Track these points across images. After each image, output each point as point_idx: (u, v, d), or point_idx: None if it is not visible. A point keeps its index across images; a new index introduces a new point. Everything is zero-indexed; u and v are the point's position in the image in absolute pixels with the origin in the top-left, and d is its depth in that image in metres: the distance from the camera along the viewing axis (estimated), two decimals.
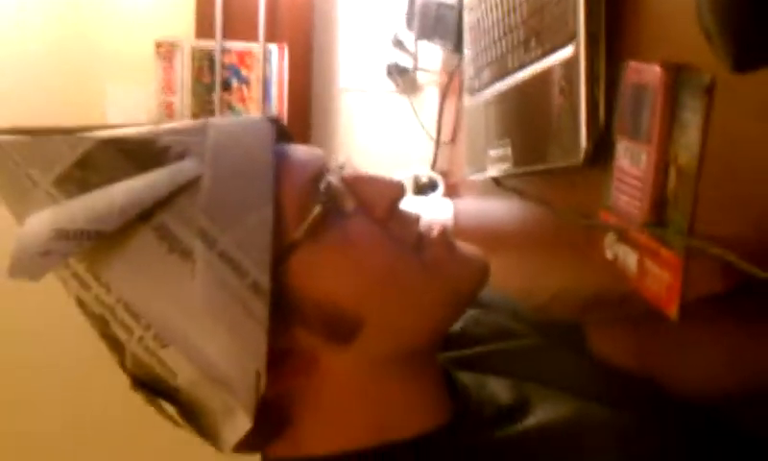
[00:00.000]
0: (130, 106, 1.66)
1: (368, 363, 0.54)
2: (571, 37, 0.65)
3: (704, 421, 0.59)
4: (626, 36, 0.61)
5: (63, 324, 1.00)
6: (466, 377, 0.61)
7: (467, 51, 1.07)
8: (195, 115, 1.62)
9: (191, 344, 0.49)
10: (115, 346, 0.52)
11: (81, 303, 0.52)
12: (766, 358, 0.50)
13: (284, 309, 0.51)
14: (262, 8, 1.62)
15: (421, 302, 0.55)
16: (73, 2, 1.66)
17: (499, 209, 1.07)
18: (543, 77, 0.73)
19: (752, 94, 0.43)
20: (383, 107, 1.73)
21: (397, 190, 0.56)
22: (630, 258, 0.54)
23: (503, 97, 0.88)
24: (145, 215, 0.49)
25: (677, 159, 0.48)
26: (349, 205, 0.55)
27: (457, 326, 0.67)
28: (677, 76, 0.48)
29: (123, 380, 0.53)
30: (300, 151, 0.56)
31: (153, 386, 0.52)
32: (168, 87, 1.62)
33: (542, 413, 0.59)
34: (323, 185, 0.54)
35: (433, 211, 1.42)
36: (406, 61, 1.68)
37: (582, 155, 0.64)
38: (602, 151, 0.62)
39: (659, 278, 0.49)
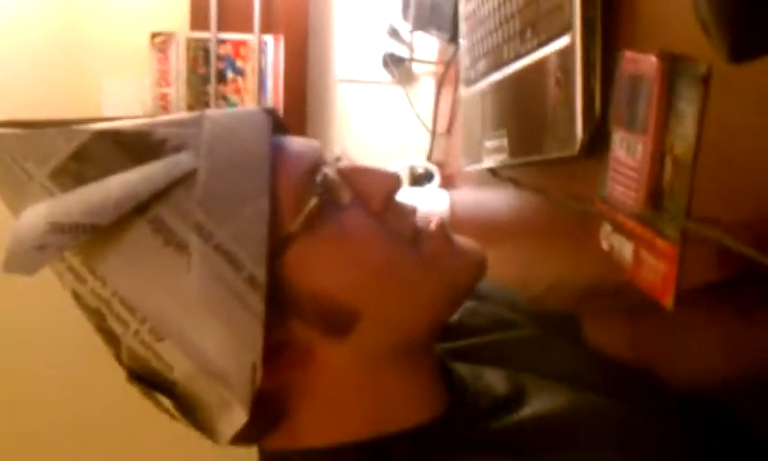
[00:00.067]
0: (125, 98, 1.66)
1: (364, 356, 0.54)
2: (567, 28, 0.65)
3: (700, 411, 0.59)
4: (622, 27, 0.61)
5: (62, 320, 1.00)
6: (462, 368, 0.61)
7: (462, 41, 1.07)
8: (190, 107, 1.61)
9: (187, 337, 0.49)
10: (111, 339, 0.52)
11: (76, 297, 0.52)
12: (762, 347, 0.50)
13: (280, 302, 0.51)
14: None
15: (419, 295, 0.55)
16: None
17: (495, 201, 1.07)
18: (539, 67, 0.73)
19: (748, 84, 0.43)
20: (379, 97, 1.73)
21: (394, 182, 0.56)
22: (625, 249, 0.54)
23: (499, 88, 0.88)
24: (141, 208, 0.49)
25: (673, 150, 0.48)
26: (346, 197, 0.55)
27: (454, 316, 0.67)
28: (673, 66, 0.48)
29: (121, 376, 0.53)
30: (296, 143, 0.56)
31: (149, 379, 0.52)
32: (163, 79, 1.62)
33: (538, 403, 0.59)
34: (319, 177, 0.54)
35: (429, 203, 1.42)
36: (402, 52, 1.68)
37: (578, 145, 0.64)
38: (598, 141, 0.62)
39: (654, 268, 0.49)
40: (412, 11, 1.41)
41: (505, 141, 0.85)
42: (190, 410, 0.52)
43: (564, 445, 0.55)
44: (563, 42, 0.66)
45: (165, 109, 1.61)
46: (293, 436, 0.55)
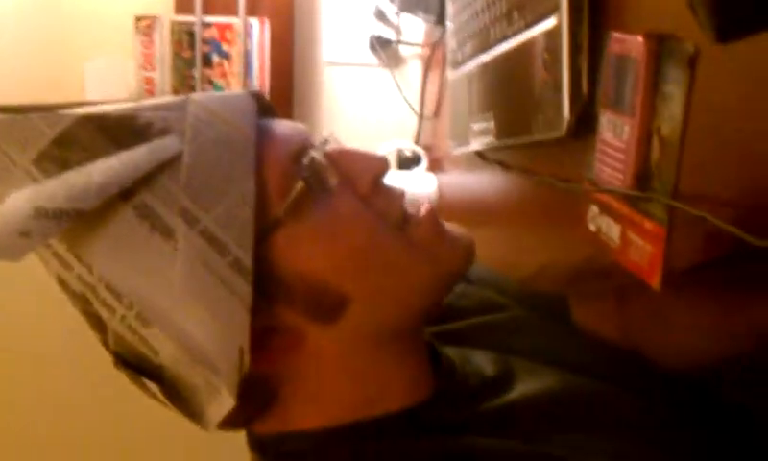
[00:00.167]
0: (109, 81, 1.64)
1: (353, 340, 0.54)
2: (554, 8, 0.64)
3: (687, 391, 0.59)
4: (609, 7, 0.61)
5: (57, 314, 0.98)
6: (451, 351, 0.61)
7: (449, 23, 1.06)
8: (175, 91, 1.60)
9: (174, 323, 0.49)
10: (98, 325, 0.52)
11: (62, 283, 0.51)
12: (749, 326, 0.51)
13: (268, 287, 0.51)
14: None
15: (407, 280, 0.54)
16: None
17: (483, 183, 1.07)
18: (526, 49, 0.72)
19: (735, 64, 0.43)
20: (366, 80, 1.72)
21: (381, 165, 0.56)
22: (613, 230, 0.55)
23: (486, 70, 0.87)
24: (126, 194, 0.48)
25: (660, 131, 0.48)
26: (333, 180, 0.54)
27: None
28: (660, 46, 0.48)
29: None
30: (282, 126, 0.56)
31: (136, 365, 0.52)
32: (148, 63, 1.60)
33: (527, 385, 0.59)
34: (306, 161, 0.53)
35: (417, 186, 1.41)
36: (389, 34, 1.67)
37: (565, 127, 0.64)
38: (585, 123, 0.62)
39: (641, 248, 0.50)
40: None
41: (492, 124, 0.85)
42: (178, 395, 0.52)
43: (553, 426, 0.56)
44: (549, 23, 0.66)
45: (150, 93, 1.60)
46: (282, 420, 0.55)
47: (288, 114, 1.65)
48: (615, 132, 0.53)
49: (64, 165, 0.49)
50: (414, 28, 1.65)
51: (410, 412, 0.55)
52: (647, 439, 0.56)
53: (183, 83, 1.60)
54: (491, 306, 0.72)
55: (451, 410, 0.56)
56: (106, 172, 0.48)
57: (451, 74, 1.07)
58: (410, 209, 0.57)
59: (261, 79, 1.60)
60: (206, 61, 1.61)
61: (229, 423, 0.52)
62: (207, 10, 1.61)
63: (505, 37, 0.78)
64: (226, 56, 1.61)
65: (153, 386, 0.52)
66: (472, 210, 1.15)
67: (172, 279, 0.48)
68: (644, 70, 0.49)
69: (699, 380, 0.59)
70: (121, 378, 0.53)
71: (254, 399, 0.53)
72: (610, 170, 0.55)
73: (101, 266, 0.49)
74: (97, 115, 0.50)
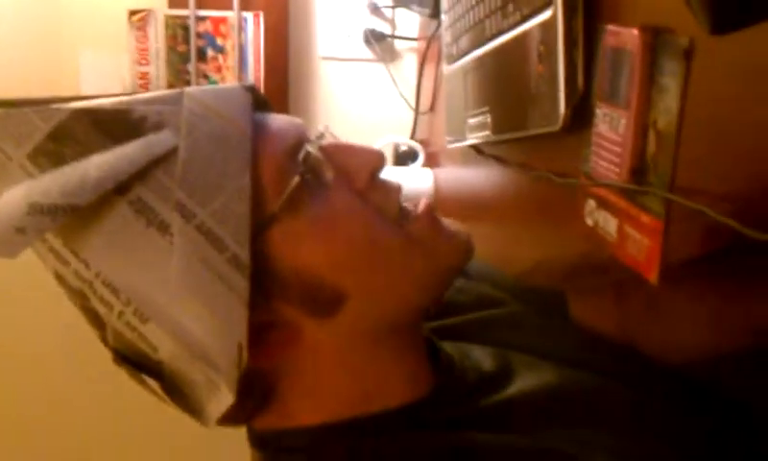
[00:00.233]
0: (104, 76, 1.63)
1: (351, 336, 0.54)
2: (549, 1, 0.64)
3: (686, 385, 0.60)
4: (604, 0, 0.61)
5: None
6: (449, 347, 0.62)
7: (444, 17, 1.06)
8: (170, 86, 1.59)
9: (171, 319, 0.49)
10: (96, 321, 0.52)
11: (59, 278, 0.51)
12: (748, 320, 0.51)
13: (265, 282, 0.51)
14: None
15: (405, 275, 0.54)
16: None
17: (480, 178, 1.07)
18: (521, 43, 0.72)
19: (731, 57, 0.43)
20: (361, 75, 1.71)
21: (377, 159, 0.56)
22: (610, 224, 0.55)
23: (481, 64, 0.87)
24: (121, 188, 0.48)
25: (656, 124, 0.48)
26: (329, 175, 0.54)
27: None
28: (655, 39, 0.48)
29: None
30: (278, 120, 0.55)
31: (135, 361, 0.52)
32: (142, 57, 1.59)
33: (525, 381, 0.59)
34: (301, 155, 0.53)
35: (413, 181, 1.41)
36: (383, 28, 1.66)
37: (560, 121, 0.64)
38: (581, 116, 0.62)
39: (639, 243, 0.50)
40: None
41: (488, 118, 0.85)
42: (177, 392, 0.51)
43: (552, 422, 0.56)
44: (544, 16, 0.66)
45: (145, 87, 1.59)
46: (281, 416, 0.55)
47: (283, 109, 1.64)
48: (611, 125, 0.53)
49: (59, 160, 0.49)
50: (409, 21, 1.64)
51: (409, 408, 0.55)
52: (650, 435, 0.56)
53: (178, 77, 1.60)
54: (489, 302, 0.72)
55: (450, 406, 0.56)
56: (101, 167, 0.48)
57: (447, 68, 1.07)
58: (408, 205, 0.57)
59: (256, 73, 1.60)
60: (201, 56, 1.60)
61: (229, 419, 0.52)
62: (201, 3, 1.60)
63: (500, 31, 0.78)
64: (220, 50, 1.60)
65: (152, 382, 0.52)
66: (469, 205, 1.15)
67: (169, 274, 0.48)
68: (640, 63, 0.49)
69: (697, 374, 0.59)
70: (120, 375, 0.53)
71: (253, 394, 0.53)
72: (606, 164, 0.54)
73: (97, 262, 0.49)
74: (92, 109, 0.50)
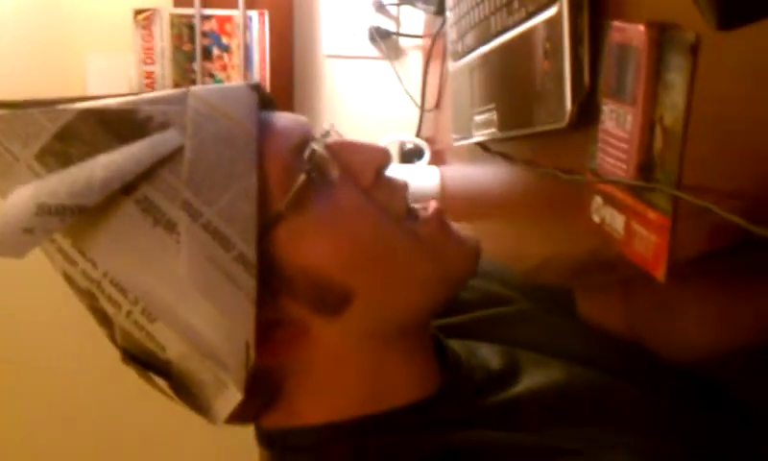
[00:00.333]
0: (111, 74, 1.64)
1: (359, 334, 0.54)
2: None
3: (693, 383, 0.59)
4: None
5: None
6: (456, 345, 0.61)
7: (449, 14, 1.06)
8: (176, 85, 1.59)
9: (179, 318, 0.49)
10: (104, 320, 0.52)
11: (67, 278, 0.51)
12: (756, 317, 0.51)
13: (272, 280, 0.51)
14: None
15: (411, 274, 0.54)
16: None
17: (486, 176, 1.07)
18: (527, 39, 0.72)
19: (738, 52, 0.43)
20: (366, 72, 1.71)
21: (383, 156, 0.56)
22: (617, 221, 0.54)
23: (487, 61, 0.87)
24: (128, 188, 0.48)
25: (662, 120, 0.48)
26: (334, 172, 0.54)
27: None
28: (661, 35, 0.48)
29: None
30: (283, 118, 0.56)
31: (143, 360, 0.52)
32: (148, 57, 1.60)
33: (533, 379, 0.59)
34: (307, 153, 0.53)
35: (420, 179, 1.41)
36: (388, 25, 1.66)
37: (567, 117, 0.64)
38: (587, 113, 0.61)
39: (646, 239, 0.49)
40: None
41: (494, 115, 0.85)
42: (185, 390, 0.52)
43: (559, 420, 0.56)
44: (550, 13, 0.65)
45: (151, 87, 1.59)
46: (288, 414, 0.55)
47: (288, 107, 1.64)
48: (618, 121, 0.53)
49: (66, 160, 0.49)
50: (413, 19, 1.64)
51: (415, 407, 0.55)
52: (659, 432, 0.56)
53: (184, 76, 1.60)
54: (496, 299, 0.72)
55: (457, 404, 0.56)
56: (107, 167, 0.48)
57: (452, 65, 1.06)
58: (417, 206, 0.57)
59: (261, 72, 1.60)
60: (207, 55, 1.61)
61: (237, 417, 0.52)
62: (206, 2, 1.60)
63: (506, 28, 0.77)
64: (226, 48, 1.61)
65: (160, 381, 0.52)
66: (475, 203, 1.15)
67: (176, 273, 0.48)
68: (646, 59, 0.49)
69: (705, 371, 0.59)
70: (129, 374, 0.53)
71: (261, 392, 0.53)
72: (612, 160, 0.54)
73: (105, 261, 0.49)
74: (98, 109, 0.50)
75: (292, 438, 0.55)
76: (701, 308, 0.57)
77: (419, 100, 1.55)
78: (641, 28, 0.49)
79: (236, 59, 1.60)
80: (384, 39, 1.65)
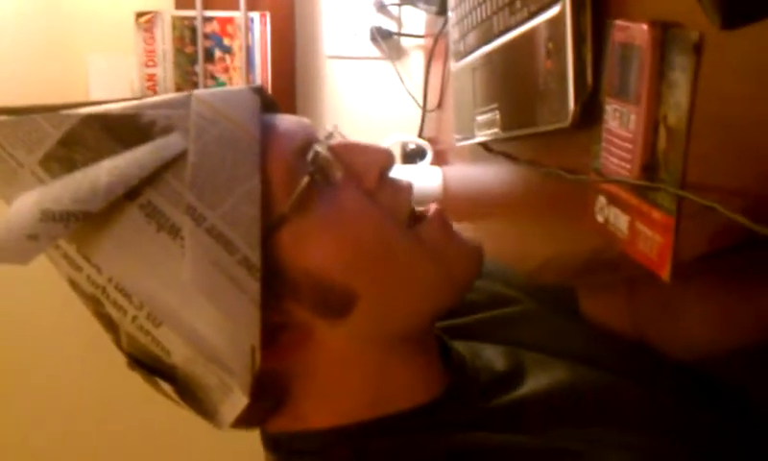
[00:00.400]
0: (113, 79, 1.64)
1: (363, 338, 0.54)
2: None
3: (696, 382, 0.59)
4: None
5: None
6: (461, 346, 0.61)
7: (451, 14, 1.06)
8: (179, 87, 1.59)
9: (184, 322, 0.49)
10: (110, 325, 0.52)
11: (72, 284, 0.51)
12: (758, 316, 0.51)
13: (276, 284, 0.51)
14: None
15: (414, 276, 0.54)
16: None
17: (489, 176, 1.07)
18: (530, 39, 0.72)
19: (741, 51, 0.43)
20: (368, 73, 1.71)
21: (386, 158, 0.56)
22: (621, 221, 0.54)
23: (489, 61, 0.87)
24: (132, 193, 0.48)
25: (666, 119, 0.48)
26: (338, 174, 0.54)
27: None
28: (665, 34, 0.48)
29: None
30: (286, 121, 0.56)
31: (149, 365, 0.52)
32: (150, 59, 1.60)
33: (538, 380, 0.59)
34: (310, 156, 0.53)
35: (422, 179, 1.41)
36: (390, 26, 1.66)
37: (570, 117, 0.64)
38: (590, 113, 0.61)
39: (650, 239, 0.49)
40: None
41: (497, 115, 0.85)
42: (190, 394, 0.52)
43: (563, 421, 0.56)
44: (552, 12, 0.65)
45: (153, 90, 1.59)
46: (294, 418, 0.55)
47: (291, 108, 1.64)
48: (621, 121, 0.53)
49: (70, 166, 0.49)
50: (415, 19, 1.64)
51: (420, 409, 0.55)
52: (662, 431, 0.56)
53: (186, 78, 1.60)
54: (500, 300, 0.72)
55: (463, 407, 0.55)
56: (111, 172, 0.48)
57: (454, 65, 1.06)
58: (419, 208, 0.57)
59: (263, 73, 1.60)
60: (208, 57, 1.61)
61: (243, 421, 0.52)
62: (208, 4, 1.60)
63: (508, 27, 0.77)
64: (227, 50, 1.61)
65: (166, 386, 0.52)
66: (478, 203, 1.15)
67: (180, 277, 0.48)
68: (649, 58, 0.48)
69: (708, 371, 0.59)
70: (134, 379, 0.53)
71: (266, 396, 0.53)
72: (616, 160, 0.54)
73: (109, 266, 0.49)
74: (101, 115, 0.50)
75: (297, 442, 0.55)
76: (704, 307, 0.57)
77: (421, 100, 1.55)
78: (644, 27, 0.49)
79: (238, 60, 1.60)
80: (386, 40, 1.65)
